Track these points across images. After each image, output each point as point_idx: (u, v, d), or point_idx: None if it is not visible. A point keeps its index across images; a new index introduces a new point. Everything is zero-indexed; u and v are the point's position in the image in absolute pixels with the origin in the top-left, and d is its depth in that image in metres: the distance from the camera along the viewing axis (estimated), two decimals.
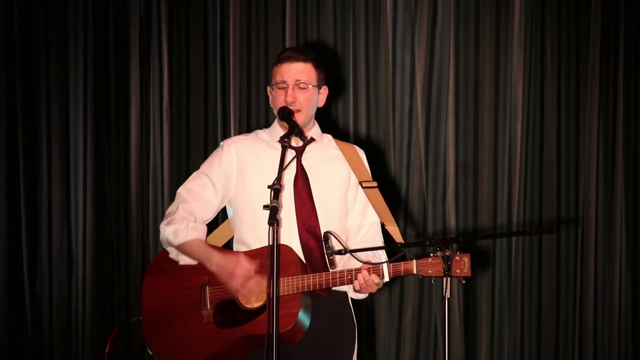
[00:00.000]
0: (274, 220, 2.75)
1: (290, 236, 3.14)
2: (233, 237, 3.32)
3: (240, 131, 4.90)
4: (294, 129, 3.08)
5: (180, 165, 5.05)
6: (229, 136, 4.91)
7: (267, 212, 2.85)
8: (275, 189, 2.84)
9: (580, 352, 4.73)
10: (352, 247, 3.17)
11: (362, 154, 3.35)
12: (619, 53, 4.69)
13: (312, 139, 3.25)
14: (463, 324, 4.77)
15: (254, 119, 4.96)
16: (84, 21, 5.09)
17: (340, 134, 4.86)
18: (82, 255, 5.10)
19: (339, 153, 3.30)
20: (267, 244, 2.98)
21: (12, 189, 5.12)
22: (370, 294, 3.17)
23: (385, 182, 4.82)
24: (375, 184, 3.26)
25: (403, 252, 3.05)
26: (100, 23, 5.10)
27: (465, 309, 4.79)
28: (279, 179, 2.89)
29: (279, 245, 2.83)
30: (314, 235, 3.16)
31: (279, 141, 3.09)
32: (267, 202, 2.88)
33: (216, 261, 3.09)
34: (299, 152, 3.21)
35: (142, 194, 5.09)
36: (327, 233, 3.05)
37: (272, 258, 2.78)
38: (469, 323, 4.79)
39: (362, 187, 3.24)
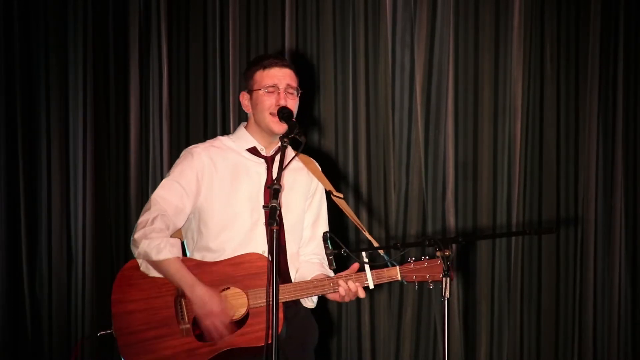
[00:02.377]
0: (273, 220, 2.74)
1: (257, 246, 3.16)
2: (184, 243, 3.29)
3: None
4: (294, 129, 3.08)
5: None
6: None
7: (238, 219, 3.05)
8: (275, 189, 2.84)
9: (580, 352, 4.73)
10: (301, 259, 3.28)
11: (318, 166, 3.38)
12: (618, 53, 4.70)
13: (280, 149, 3.22)
14: (462, 324, 4.77)
15: None
16: (84, 21, 5.08)
17: (339, 135, 4.88)
18: (82, 255, 5.08)
19: (301, 164, 3.33)
20: (237, 252, 3.10)
21: (12, 189, 5.11)
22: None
23: (384, 182, 4.82)
24: (342, 195, 3.31)
25: (403, 251, 3.06)
26: (100, 23, 5.10)
27: (465, 309, 4.79)
28: (278, 179, 2.89)
29: (278, 247, 2.82)
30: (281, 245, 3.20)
31: (279, 140, 3.12)
32: (238, 209, 3.08)
33: (199, 293, 3.05)
34: (270, 161, 3.25)
35: (141, 194, 5.08)
36: (326, 233, 3.07)
37: (272, 258, 2.76)
38: (468, 323, 4.79)
39: (333, 196, 3.27)
